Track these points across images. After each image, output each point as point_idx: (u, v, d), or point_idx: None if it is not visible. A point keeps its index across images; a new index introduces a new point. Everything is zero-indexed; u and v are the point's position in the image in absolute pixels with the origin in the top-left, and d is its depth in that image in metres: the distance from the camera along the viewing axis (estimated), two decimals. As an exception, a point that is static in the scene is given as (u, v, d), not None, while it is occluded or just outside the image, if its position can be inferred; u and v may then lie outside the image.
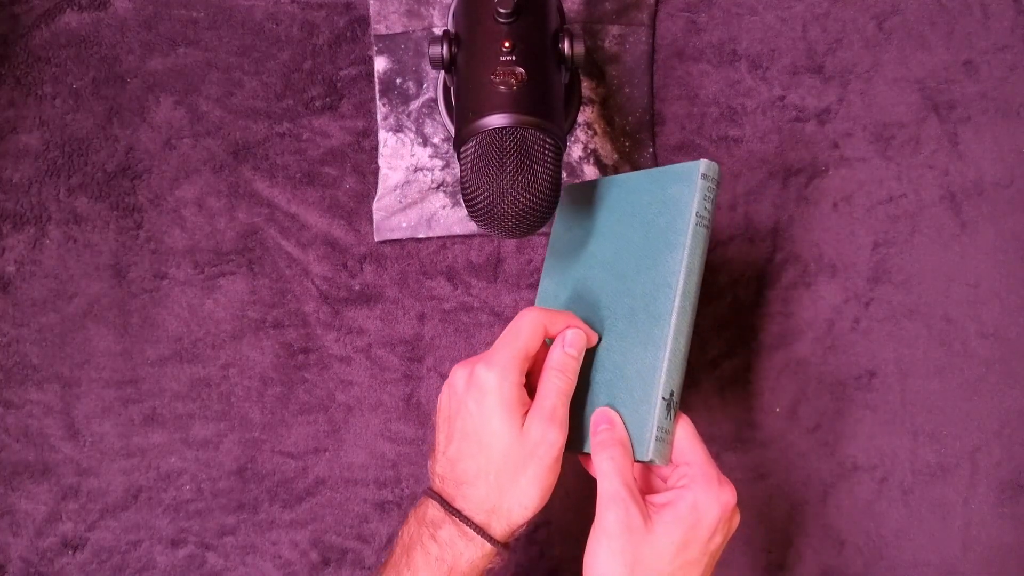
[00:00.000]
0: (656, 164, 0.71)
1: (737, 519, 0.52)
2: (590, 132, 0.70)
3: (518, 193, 0.53)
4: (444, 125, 0.70)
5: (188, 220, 0.71)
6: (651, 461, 0.51)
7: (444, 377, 0.70)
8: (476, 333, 0.70)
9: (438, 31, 0.70)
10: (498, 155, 0.53)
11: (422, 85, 0.71)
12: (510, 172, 0.53)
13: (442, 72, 0.67)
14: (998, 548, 0.71)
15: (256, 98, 0.72)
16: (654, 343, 0.52)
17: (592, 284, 0.58)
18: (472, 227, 0.70)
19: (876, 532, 0.70)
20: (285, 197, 0.71)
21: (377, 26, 0.71)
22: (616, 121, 0.71)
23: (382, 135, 0.71)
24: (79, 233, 0.70)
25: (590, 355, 0.55)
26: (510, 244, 0.71)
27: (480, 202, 0.54)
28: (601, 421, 0.52)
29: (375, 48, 0.71)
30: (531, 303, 0.70)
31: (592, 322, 0.56)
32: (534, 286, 0.71)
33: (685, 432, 0.52)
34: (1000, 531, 0.70)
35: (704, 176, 0.53)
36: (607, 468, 0.50)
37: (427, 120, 0.71)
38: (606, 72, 0.71)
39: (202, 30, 0.72)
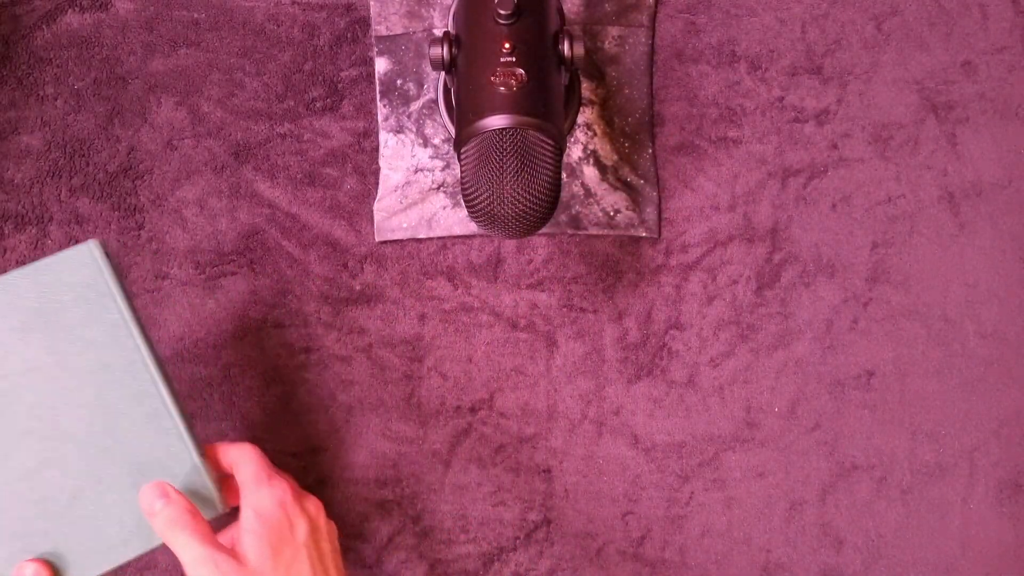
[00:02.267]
0: (655, 165, 0.72)
1: (312, 502, 0.52)
2: (590, 133, 0.71)
3: (518, 194, 0.53)
4: (444, 126, 0.70)
5: (189, 220, 0.71)
6: (221, 512, 0.53)
7: (444, 377, 0.70)
8: (476, 333, 0.71)
9: (438, 32, 0.70)
10: (498, 156, 0.53)
11: (422, 86, 0.71)
12: (510, 173, 0.53)
13: (442, 73, 0.68)
14: (997, 547, 0.71)
15: (257, 99, 0.72)
16: (159, 416, 0.53)
17: (27, 411, 0.52)
18: (472, 227, 0.70)
19: (875, 531, 0.70)
20: (286, 198, 0.71)
21: (378, 27, 0.71)
22: (616, 122, 0.71)
23: (383, 136, 0.71)
24: (81, 233, 0.71)
25: (67, 459, 0.52)
26: (510, 244, 0.71)
27: (480, 203, 0.54)
28: (154, 498, 0.51)
29: (376, 49, 0.71)
30: (531, 303, 0.71)
31: (48, 441, 0.52)
32: (534, 286, 0.71)
33: (218, 455, 0.53)
34: (999, 530, 0.71)
35: (105, 254, 0.53)
36: (184, 539, 0.49)
37: (427, 121, 0.71)
38: (606, 73, 0.71)
39: (203, 31, 0.72)
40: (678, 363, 0.71)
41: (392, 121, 0.71)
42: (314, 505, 0.53)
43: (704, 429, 0.71)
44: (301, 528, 0.51)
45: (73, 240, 0.70)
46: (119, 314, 0.52)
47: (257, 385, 0.70)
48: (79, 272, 0.52)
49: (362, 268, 0.71)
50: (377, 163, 0.71)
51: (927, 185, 0.73)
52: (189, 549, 0.49)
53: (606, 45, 0.72)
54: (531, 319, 0.71)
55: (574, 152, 0.70)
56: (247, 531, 0.50)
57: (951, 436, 0.71)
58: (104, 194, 0.71)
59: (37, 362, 0.52)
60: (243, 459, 0.53)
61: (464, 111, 0.55)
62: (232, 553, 0.50)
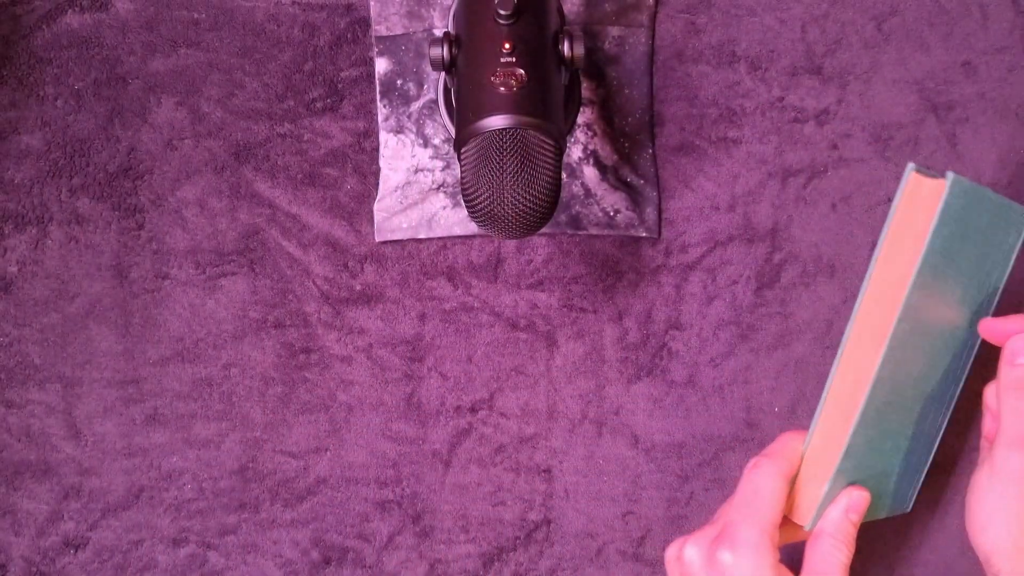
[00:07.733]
0: (655, 165, 0.72)
1: None
2: (590, 133, 0.71)
3: (518, 194, 0.53)
4: (444, 126, 0.70)
5: (189, 221, 0.71)
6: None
7: (444, 377, 0.70)
8: (476, 333, 0.71)
9: (438, 32, 0.70)
10: (498, 156, 0.53)
11: (423, 86, 0.71)
12: (510, 173, 0.53)
13: (442, 73, 0.68)
14: (996, 547, 0.71)
15: (257, 99, 0.72)
16: (944, 403, 0.54)
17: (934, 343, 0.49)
18: (472, 227, 0.70)
19: (874, 531, 0.70)
20: (286, 198, 0.71)
21: (378, 27, 0.71)
22: (615, 122, 0.71)
23: (383, 136, 0.71)
24: (81, 233, 0.71)
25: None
26: (510, 244, 0.71)
27: (480, 203, 0.54)
28: (1019, 353, 0.46)
29: (376, 49, 0.71)
30: (532, 304, 0.71)
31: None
32: (534, 286, 0.71)
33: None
34: (998, 530, 0.71)
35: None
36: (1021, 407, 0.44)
37: (427, 121, 0.71)
38: (606, 73, 0.71)
39: (203, 31, 0.72)
40: (678, 363, 0.71)
41: (392, 121, 0.71)
42: None
43: (704, 429, 0.71)
44: None
45: (73, 241, 0.70)
46: (993, 295, 0.49)
47: (257, 385, 0.70)
48: (1012, 231, 0.49)
49: (362, 268, 0.71)
50: (377, 163, 0.71)
51: (927, 185, 0.72)
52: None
53: (606, 45, 0.72)
54: (531, 319, 0.71)
55: (574, 152, 0.70)
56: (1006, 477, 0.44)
57: (951, 435, 0.71)
58: (104, 194, 0.71)
59: (953, 285, 0.48)
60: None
61: (464, 111, 0.55)
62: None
